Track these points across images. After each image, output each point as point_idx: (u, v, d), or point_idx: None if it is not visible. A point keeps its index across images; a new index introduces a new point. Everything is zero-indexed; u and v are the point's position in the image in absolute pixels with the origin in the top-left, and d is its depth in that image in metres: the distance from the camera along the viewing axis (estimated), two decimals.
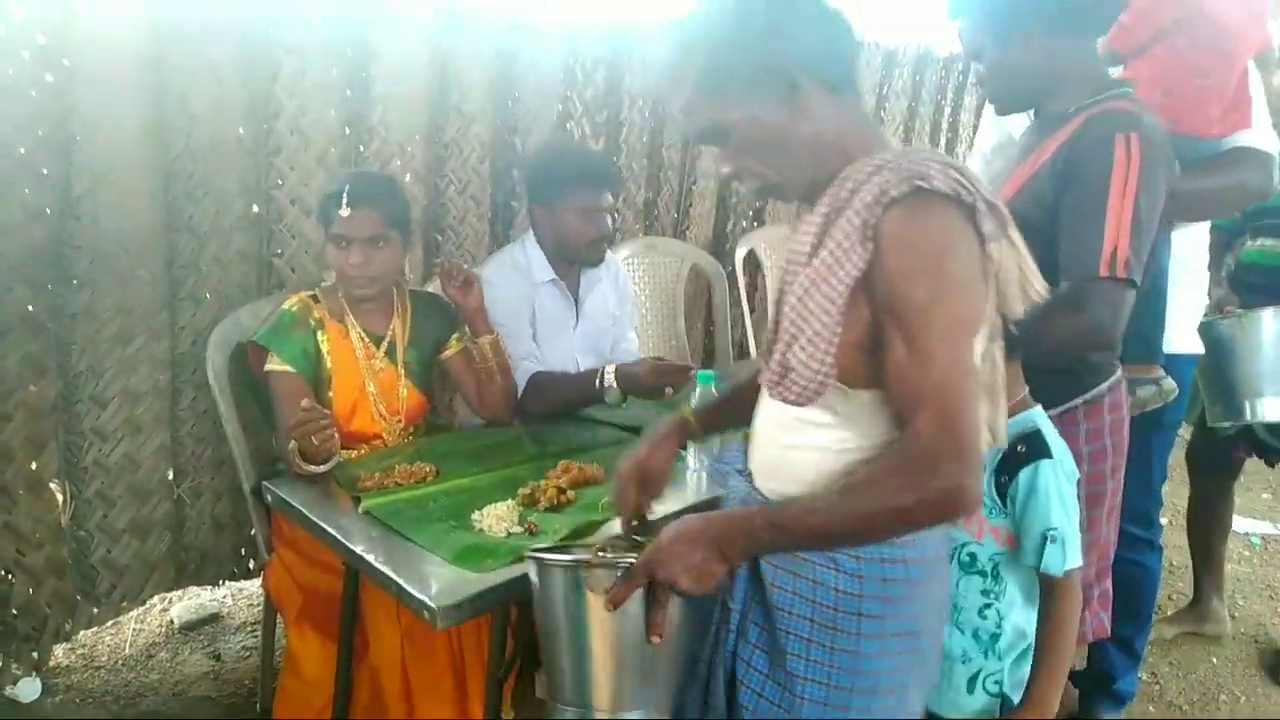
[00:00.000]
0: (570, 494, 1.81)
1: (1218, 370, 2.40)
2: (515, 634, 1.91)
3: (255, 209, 2.38)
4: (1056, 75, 1.66)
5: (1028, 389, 1.54)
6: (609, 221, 2.44)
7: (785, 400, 1.23)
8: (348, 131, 2.50)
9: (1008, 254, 1.19)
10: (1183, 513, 3.00)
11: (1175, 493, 3.16)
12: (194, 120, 2.19)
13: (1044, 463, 1.47)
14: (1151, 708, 2.59)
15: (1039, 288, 1.24)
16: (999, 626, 1.53)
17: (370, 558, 1.57)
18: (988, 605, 1.54)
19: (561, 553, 1.28)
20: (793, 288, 1.21)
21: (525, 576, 1.48)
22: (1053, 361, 1.61)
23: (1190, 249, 2.12)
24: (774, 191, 1.28)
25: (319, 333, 2.06)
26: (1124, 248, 1.51)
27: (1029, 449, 1.49)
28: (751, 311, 3.59)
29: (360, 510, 1.72)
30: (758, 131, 1.20)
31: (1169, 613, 2.95)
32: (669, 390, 2.21)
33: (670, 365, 2.26)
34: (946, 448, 1.09)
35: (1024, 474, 1.48)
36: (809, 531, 1.17)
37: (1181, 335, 2.11)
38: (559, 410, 2.33)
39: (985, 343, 1.24)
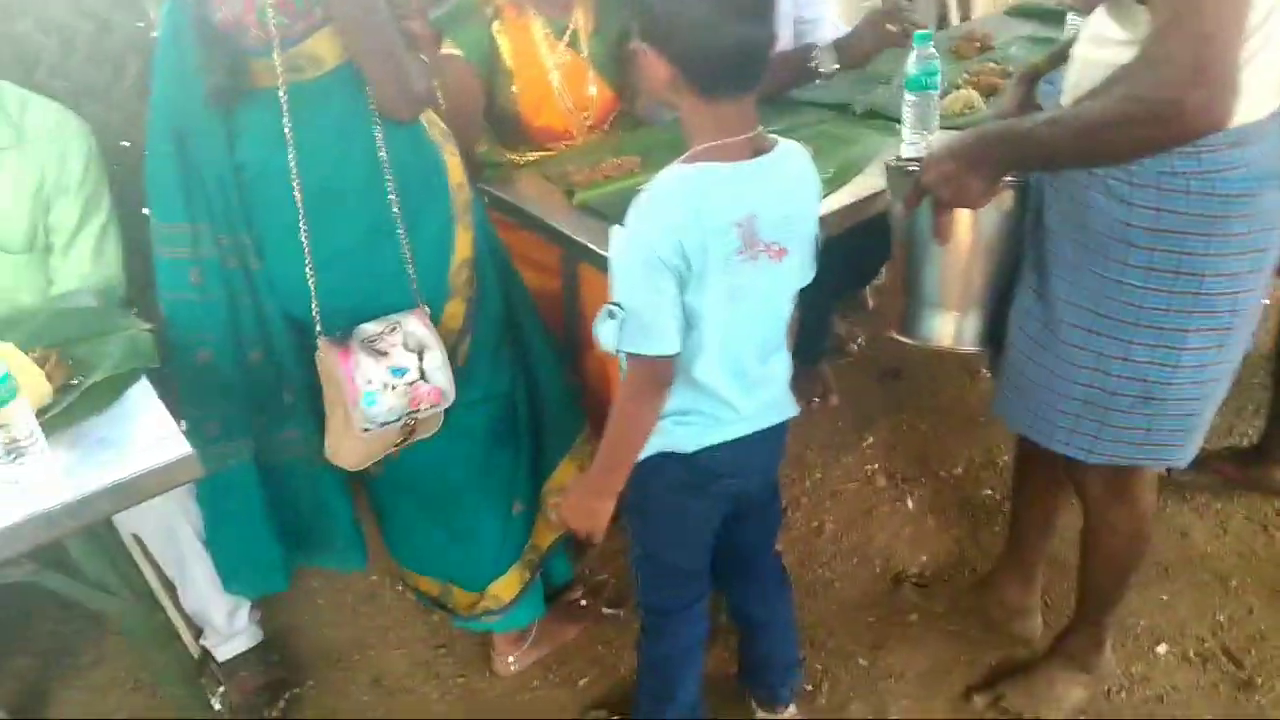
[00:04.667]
0: None
1: None
2: None
3: None
4: None
5: None
6: None
7: None
8: None
9: None
10: None
11: None
12: None
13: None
14: None
15: None
16: None
17: (594, 246, 1.55)
18: None
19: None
20: None
21: None
22: None
23: None
24: None
25: (495, 23, 1.94)
26: None
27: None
28: None
29: (575, 203, 1.69)
30: None
31: None
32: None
33: (881, 16, 2.08)
34: (1172, 52, 0.98)
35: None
36: (1040, 143, 1.12)
37: None
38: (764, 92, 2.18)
39: None
